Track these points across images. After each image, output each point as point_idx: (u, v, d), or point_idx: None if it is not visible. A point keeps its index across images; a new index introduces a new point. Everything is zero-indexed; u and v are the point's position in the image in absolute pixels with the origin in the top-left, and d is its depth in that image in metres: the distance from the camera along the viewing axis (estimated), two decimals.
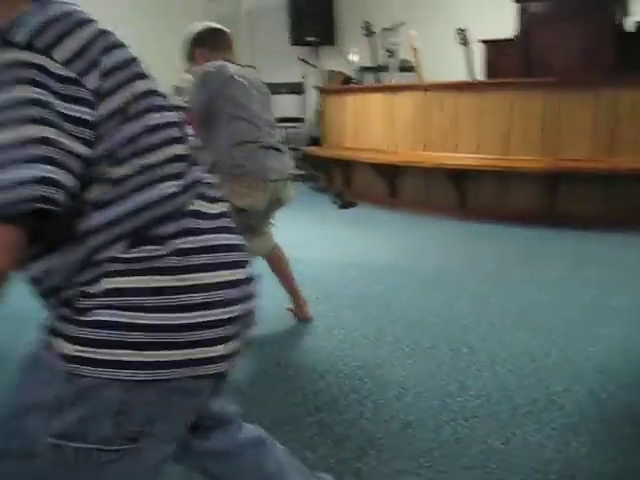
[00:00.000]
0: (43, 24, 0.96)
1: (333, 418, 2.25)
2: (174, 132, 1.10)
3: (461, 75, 6.19)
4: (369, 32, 6.66)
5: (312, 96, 8.25)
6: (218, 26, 3.03)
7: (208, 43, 2.94)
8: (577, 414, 2.25)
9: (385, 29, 6.71)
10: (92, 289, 1.01)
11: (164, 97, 1.13)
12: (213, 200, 1.14)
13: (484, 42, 6.16)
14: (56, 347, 1.03)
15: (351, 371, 2.64)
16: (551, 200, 5.13)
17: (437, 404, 2.34)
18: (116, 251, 1.00)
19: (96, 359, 1.00)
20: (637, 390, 2.42)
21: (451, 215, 5.50)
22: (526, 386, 2.47)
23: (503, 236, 4.91)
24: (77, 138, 0.94)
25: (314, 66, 8.07)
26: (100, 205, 1.00)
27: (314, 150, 7.32)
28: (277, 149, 2.90)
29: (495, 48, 6.12)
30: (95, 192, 0.99)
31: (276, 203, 2.94)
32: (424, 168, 5.67)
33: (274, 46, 8.80)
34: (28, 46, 0.93)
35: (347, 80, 7.65)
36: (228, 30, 3.05)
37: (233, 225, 1.18)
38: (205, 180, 1.14)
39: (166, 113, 1.10)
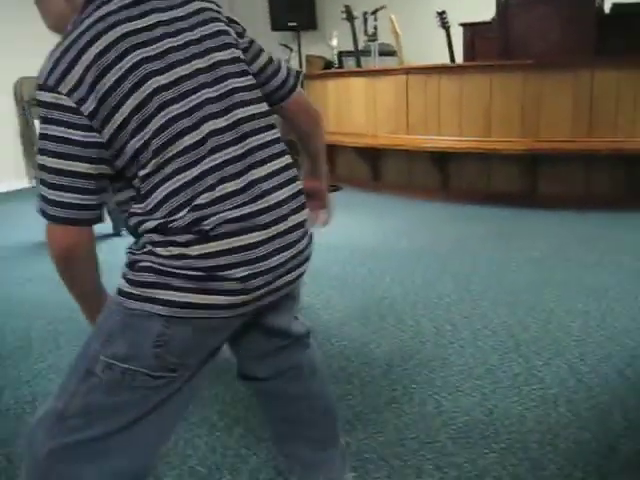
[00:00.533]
0: (54, 62, 1.18)
1: None
2: (186, 122, 1.21)
3: (442, 58, 6.23)
4: (349, 16, 6.66)
5: None
6: None
7: None
8: (556, 386, 2.33)
9: (365, 13, 6.72)
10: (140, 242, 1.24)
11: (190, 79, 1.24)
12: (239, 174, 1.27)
13: (463, 25, 6.20)
14: (119, 285, 1.25)
15: (338, 350, 2.70)
16: (532, 181, 5.21)
17: (421, 379, 2.42)
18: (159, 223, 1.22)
19: (140, 295, 1.21)
20: (614, 361, 2.50)
21: (434, 197, 5.57)
22: (507, 361, 2.55)
23: (485, 217, 4.98)
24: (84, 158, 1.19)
25: (294, 51, 8.07)
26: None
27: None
28: None
29: (474, 31, 6.15)
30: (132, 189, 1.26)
31: None
32: (406, 151, 5.72)
33: (255, 31, 8.60)
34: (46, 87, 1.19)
35: (328, 65, 7.66)
36: None
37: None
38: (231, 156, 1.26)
39: (178, 104, 1.22)
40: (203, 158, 1.22)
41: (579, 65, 5.08)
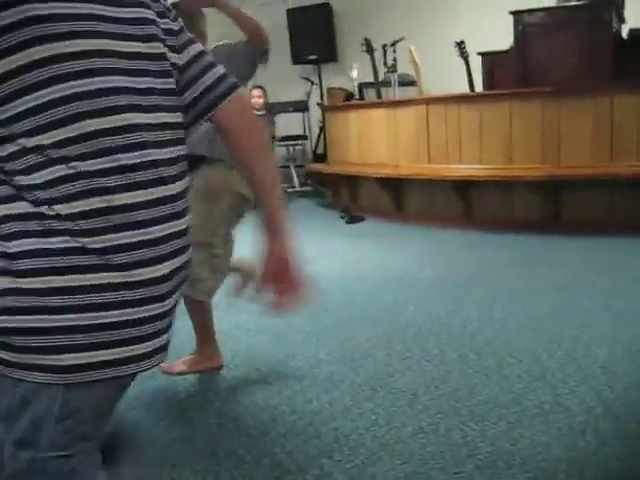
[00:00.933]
0: None
1: (348, 426, 2.33)
2: (83, 105, 1.01)
3: (461, 88, 6.29)
4: (369, 48, 6.78)
5: (316, 113, 8.38)
6: None
7: None
8: (583, 414, 2.32)
9: (385, 45, 6.83)
10: None
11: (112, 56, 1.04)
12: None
13: (482, 54, 6.27)
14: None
15: (363, 381, 2.72)
16: (554, 207, 5.21)
17: (447, 409, 2.42)
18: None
19: (30, 363, 1.01)
20: None
21: (456, 225, 5.58)
22: (533, 389, 2.54)
23: (508, 244, 4.99)
24: None
25: (315, 84, 8.21)
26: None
27: (319, 167, 7.43)
28: None
29: (493, 60, 6.22)
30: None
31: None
32: (428, 180, 5.76)
33: (276, 65, 8.88)
34: None
35: (349, 96, 7.77)
36: None
37: None
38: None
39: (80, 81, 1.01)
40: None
41: (598, 91, 5.12)
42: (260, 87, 7.56)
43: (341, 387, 2.66)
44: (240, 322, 3.43)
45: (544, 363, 2.78)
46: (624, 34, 5.68)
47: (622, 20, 5.74)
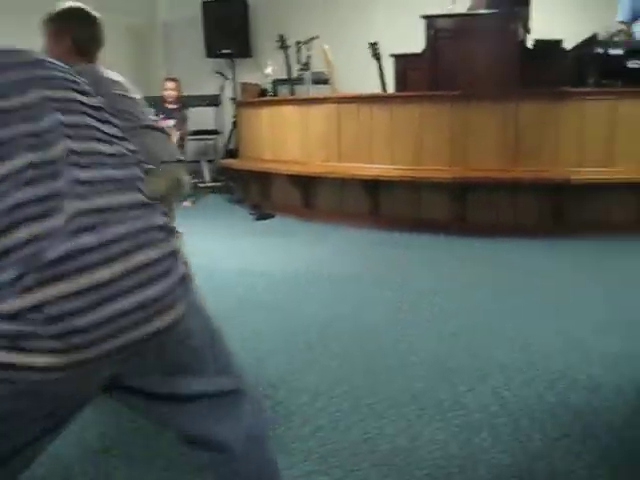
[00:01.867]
0: None
1: None
2: None
3: (374, 88, 6.35)
4: (283, 45, 6.75)
5: (229, 108, 8.27)
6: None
7: None
8: (480, 412, 2.36)
9: (299, 42, 6.81)
10: None
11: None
12: None
13: (395, 56, 6.33)
14: None
15: (264, 379, 2.67)
16: (461, 209, 5.33)
17: (347, 407, 2.41)
18: None
19: None
20: (535, 386, 2.55)
21: (365, 224, 5.62)
22: (433, 388, 2.57)
23: (415, 244, 5.06)
24: None
25: (229, 78, 8.10)
26: None
27: (231, 162, 7.34)
28: None
29: (406, 62, 6.29)
30: None
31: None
32: (339, 179, 5.78)
33: (190, 58, 8.79)
34: None
35: (263, 92, 7.71)
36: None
37: None
38: None
39: None
40: None
41: (504, 97, 5.26)
42: (174, 79, 7.40)
43: None
44: None
45: (445, 363, 2.81)
46: (529, 44, 5.87)
47: (527, 31, 5.92)
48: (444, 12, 5.71)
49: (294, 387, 2.59)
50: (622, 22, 6.03)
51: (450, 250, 4.87)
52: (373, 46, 6.22)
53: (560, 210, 5.19)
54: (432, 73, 5.71)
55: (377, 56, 6.19)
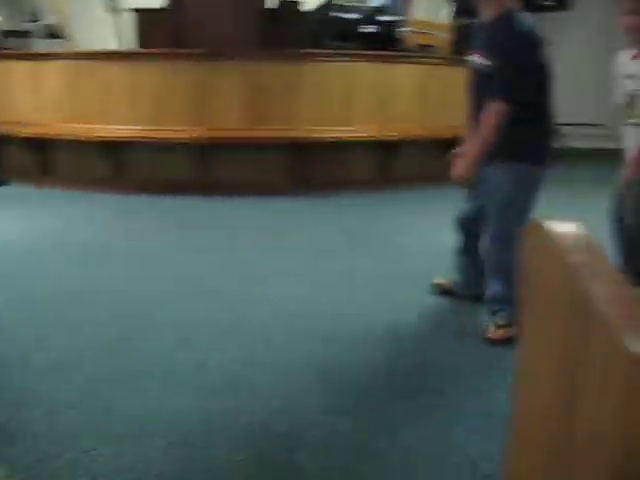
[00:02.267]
0: None
1: None
2: None
3: (114, 44, 6.01)
4: None
5: None
6: None
7: None
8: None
9: None
10: None
11: None
12: None
13: (136, 10, 6.02)
14: None
15: None
16: (205, 169, 5.24)
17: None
18: None
19: None
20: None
21: (107, 189, 5.32)
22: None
23: (160, 208, 4.90)
24: None
25: None
26: None
27: None
28: None
29: (148, 18, 6.02)
30: None
31: None
32: (77, 141, 5.40)
33: None
34: None
35: None
36: None
37: None
38: None
39: None
40: None
41: (247, 56, 5.25)
42: None
43: None
44: None
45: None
46: (273, 4, 5.89)
47: None
48: None
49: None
50: None
51: (196, 212, 4.79)
52: None
53: (302, 168, 5.32)
54: (176, 31, 5.51)
55: (115, 10, 5.83)
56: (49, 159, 5.76)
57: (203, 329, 2.69)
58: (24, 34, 6.15)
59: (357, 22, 5.65)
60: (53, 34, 6.25)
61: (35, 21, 6.04)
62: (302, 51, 5.41)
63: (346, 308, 2.94)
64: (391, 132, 5.44)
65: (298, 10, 5.75)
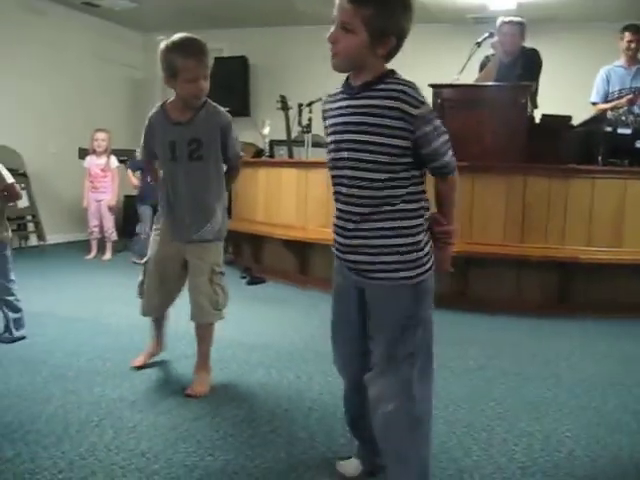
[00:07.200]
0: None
1: None
2: None
3: None
4: (284, 106, 6.61)
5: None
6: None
7: None
8: None
9: (301, 104, 6.67)
10: None
11: None
12: None
13: None
14: None
15: (261, 475, 2.37)
16: (463, 283, 5.11)
17: None
18: None
19: None
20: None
21: None
22: None
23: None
24: None
25: None
26: None
27: None
28: None
29: None
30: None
31: None
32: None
33: None
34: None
35: (259, 153, 7.55)
36: None
37: None
38: None
39: None
40: None
41: (512, 170, 5.13)
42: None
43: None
44: None
45: (460, 461, 2.52)
46: (537, 119, 5.76)
47: (535, 105, 5.84)
48: (450, 82, 5.59)
49: None
50: (594, 103, 6.16)
51: (454, 328, 4.61)
52: None
53: (567, 289, 4.99)
54: None
55: None
56: (308, 261, 5.98)
57: None
58: (292, 143, 6.58)
59: (632, 137, 5.31)
60: (319, 144, 6.61)
61: (307, 132, 6.42)
62: (570, 166, 5.18)
63: None
64: None
65: (567, 123, 5.55)
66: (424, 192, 2.00)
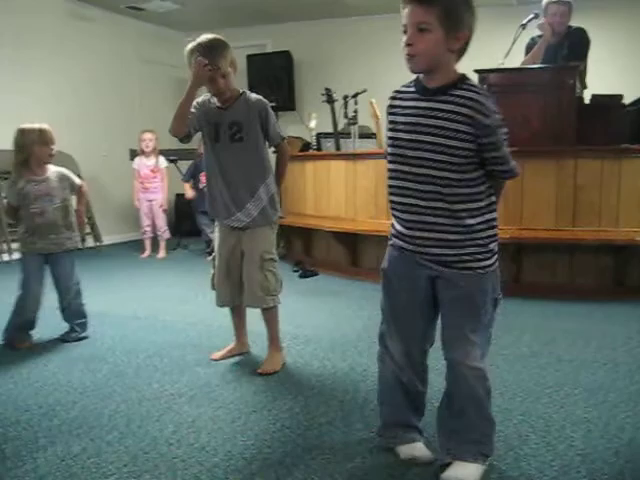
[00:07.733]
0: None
1: None
2: None
3: None
4: (330, 98, 6.63)
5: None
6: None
7: None
8: None
9: (346, 96, 6.67)
10: None
11: None
12: None
13: None
14: None
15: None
16: (516, 269, 5.06)
17: None
18: None
19: None
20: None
21: None
22: (506, 478, 2.28)
23: None
24: None
25: None
26: None
27: None
28: None
29: None
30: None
31: None
32: (386, 237, 5.54)
33: None
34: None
35: (306, 146, 7.59)
36: None
37: None
38: None
39: None
40: None
41: (563, 154, 5.05)
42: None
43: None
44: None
45: (517, 449, 2.52)
46: (586, 100, 5.64)
47: (584, 86, 5.72)
48: (495, 66, 5.52)
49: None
50: None
51: (506, 315, 4.57)
52: None
53: (622, 273, 4.90)
54: None
55: None
56: (358, 253, 6.01)
57: None
58: (340, 135, 6.59)
59: None
60: (365, 135, 6.62)
61: (354, 124, 6.43)
62: (623, 146, 5.06)
63: None
64: None
65: (618, 103, 5.41)
66: (491, 188, 2.17)
